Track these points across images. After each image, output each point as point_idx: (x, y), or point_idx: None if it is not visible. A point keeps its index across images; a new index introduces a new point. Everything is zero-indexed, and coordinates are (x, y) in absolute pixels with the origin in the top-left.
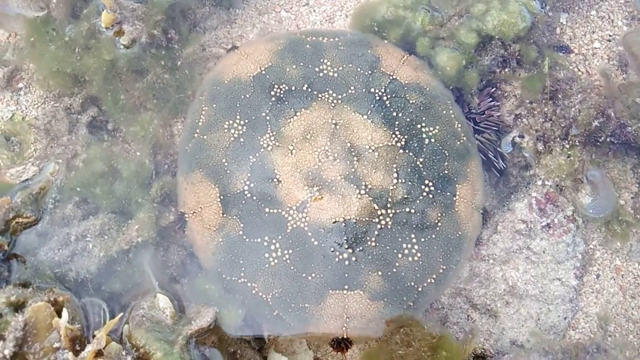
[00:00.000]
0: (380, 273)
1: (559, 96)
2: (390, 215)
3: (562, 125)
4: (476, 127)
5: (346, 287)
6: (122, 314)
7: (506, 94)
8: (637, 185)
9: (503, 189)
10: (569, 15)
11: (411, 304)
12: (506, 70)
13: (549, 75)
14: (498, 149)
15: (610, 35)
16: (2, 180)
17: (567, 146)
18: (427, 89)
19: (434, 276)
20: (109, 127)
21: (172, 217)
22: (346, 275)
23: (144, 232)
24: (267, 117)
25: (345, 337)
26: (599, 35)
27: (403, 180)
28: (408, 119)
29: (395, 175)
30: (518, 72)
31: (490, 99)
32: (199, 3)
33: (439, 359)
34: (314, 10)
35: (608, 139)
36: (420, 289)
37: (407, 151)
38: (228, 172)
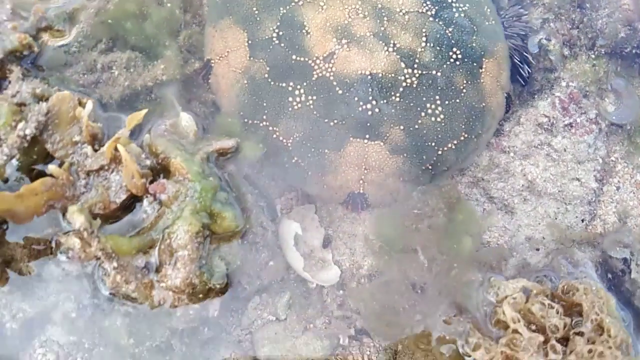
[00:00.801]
0: (402, 127)
1: (587, 6)
2: (417, 75)
3: (589, 35)
4: (504, 32)
5: (367, 136)
6: (146, 110)
7: (534, 2)
8: None
9: (527, 97)
10: None
11: (429, 166)
12: None
13: None
14: (524, 53)
15: None
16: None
17: (593, 55)
18: None
19: (455, 142)
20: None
21: (197, 65)
22: (368, 124)
23: (170, 71)
24: None
25: (361, 191)
26: None
27: (432, 45)
28: None
29: (424, 39)
30: None
31: (519, 6)
32: None
33: (454, 220)
34: None
35: (634, 51)
36: (440, 152)
37: (437, 20)
38: (258, 19)
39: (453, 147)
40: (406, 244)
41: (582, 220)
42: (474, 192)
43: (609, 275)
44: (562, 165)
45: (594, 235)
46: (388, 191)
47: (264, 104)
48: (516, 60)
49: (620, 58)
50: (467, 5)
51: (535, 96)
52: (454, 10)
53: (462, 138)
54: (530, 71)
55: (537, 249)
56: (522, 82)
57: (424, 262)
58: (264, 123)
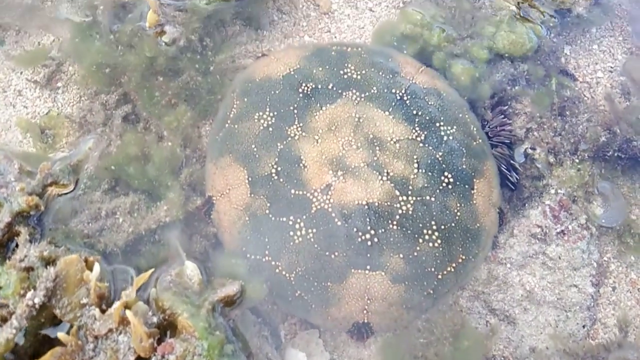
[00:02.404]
0: (401, 255)
1: (567, 113)
2: (411, 201)
3: (571, 140)
4: (489, 141)
5: (368, 267)
6: (152, 269)
7: (517, 112)
8: None
9: (517, 202)
10: (572, 48)
11: (431, 291)
12: (516, 87)
13: (556, 92)
14: (511, 161)
15: (611, 67)
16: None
17: (577, 160)
18: (444, 94)
19: (454, 265)
20: (142, 121)
21: (199, 202)
22: (368, 255)
23: (173, 212)
24: (295, 111)
25: (365, 321)
26: (602, 67)
27: (423, 171)
28: (427, 117)
29: (415, 165)
30: (526, 90)
31: (502, 116)
32: (231, 20)
33: (460, 348)
34: (335, 37)
35: (616, 154)
36: (440, 277)
37: (426, 145)
38: (257, 156)
39: (452, 269)
40: None
41: (584, 327)
42: (475, 305)
43: None
44: (559, 273)
45: (597, 347)
46: (392, 319)
47: (266, 240)
48: (503, 169)
49: (603, 161)
50: (455, 127)
51: (526, 204)
52: (443, 133)
53: (460, 260)
54: (518, 177)
55: None
56: (511, 187)
57: None
58: (267, 258)
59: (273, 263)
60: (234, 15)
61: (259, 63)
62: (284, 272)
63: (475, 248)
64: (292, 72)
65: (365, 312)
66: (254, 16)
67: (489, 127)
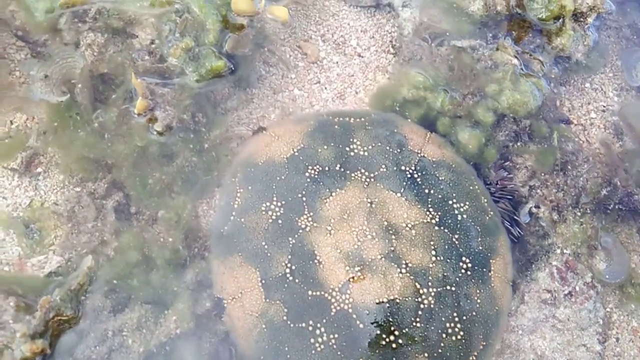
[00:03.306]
0: (426, 355)
1: (569, 167)
2: (432, 293)
3: (573, 194)
4: (492, 196)
5: None
6: None
7: (517, 166)
8: None
9: (520, 256)
10: (566, 88)
11: None
12: (518, 144)
13: (558, 148)
14: (515, 217)
15: (604, 106)
16: (23, 271)
17: (579, 214)
18: (454, 165)
19: (475, 354)
20: (135, 212)
21: (208, 304)
22: (394, 359)
23: (183, 323)
24: (304, 199)
25: None
26: (594, 106)
27: (441, 258)
28: (440, 196)
29: (433, 252)
30: (528, 145)
31: (503, 171)
32: (221, 86)
33: None
34: (325, 88)
35: (617, 207)
36: None
37: (442, 228)
38: (268, 255)
39: (475, 357)
40: None
41: None
42: None
43: None
44: (567, 334)
45: None
46: None
47: (286, 349)
48: (507, 225)
49: (604, 214)
50: (467, 203)
51: (533, 265)
52: (456, 212)
53: (481, 347)
54: (521, 232)
55: None
56: (513, 239)
57: None
58: None
59: None
60: None
61: (258, 142)
62: None
63: (495, 331)
64: (297, 153)
65: None
66: (243, 76)
67: (491, 183)
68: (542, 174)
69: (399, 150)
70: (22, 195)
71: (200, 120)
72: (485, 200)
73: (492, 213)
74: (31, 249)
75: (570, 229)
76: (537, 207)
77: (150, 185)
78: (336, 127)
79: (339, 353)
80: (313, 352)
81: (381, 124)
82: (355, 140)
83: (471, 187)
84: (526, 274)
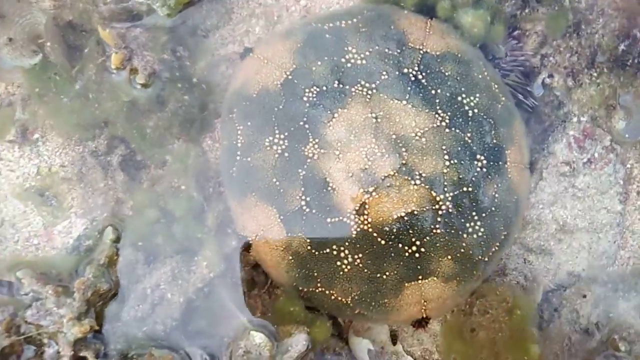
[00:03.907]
0: (450, 257)
1: (582, 26)
2: (449, 198)
3: (588, 54)
4: (502, 71)
5: (420, 277)
6: None
7: (527, 32)
8: None
9: (536, 126)
10: None
11: (480, 274)
12: (526, 10)
13: (570, 7)
14: (528, 88)
15: None
16: (51, 241)
17: (595, 75)
18: (460, 55)
19: (497, 243)
20: (142, 165)
21: (234, 243)
22: (418, 267)
23: (214, 267)
24: (306, 126)
25: (424, 316)
26: None
27: (455, 160)
28: (447, 94)
29: (446, 157)
30: (538, 10)
31: (512, 40)
32: (196, 12)
33: (515, 320)
34: None
35: (636, 61)
36: (486, 259)
37: (453, 129)
38: (281, 190)
39: (497, 248)
40: (477, 356)
41: (614, 242)
42: (513, 249)
43: None
44: (588, 200)
45: (632, 271)
46: (448, 308)
47: (315, 274)
48: (520, 97)
49: (622, 70)
50: (477, 94)
51: (549, 137)
52: (466, 107)
53: (502, 237)
54: (536, 103)
55: (584, 296)
56: (528, 109)
57: None
58: (320, 289)
59: (327, 292)
60: None
61: (247, 69)
62: (340, 298)
63: (515, 218)
64: (290, 77)
65: (423, 310)
66: None
67: (503, 59)
68: (554, 40)
69: (398, 51)
70: (28, 164)
71: (182, 55)
72: (497, 87)
73: (504, 99)
74: (53, 215)
75: (586, 93)
76: (551, 76)
77: (149, 134)
78: (327, 36)
79: (365, 270)
80: (341, 273)
81: (375, 22)
82: (350, 49)
83: (480, 76)
84: (543, 147)
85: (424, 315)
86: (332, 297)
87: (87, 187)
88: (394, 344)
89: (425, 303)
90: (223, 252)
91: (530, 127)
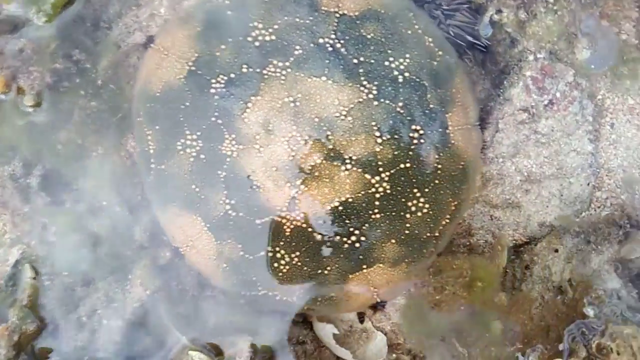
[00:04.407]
0: (394, 240)
1: None
2: (386, 179)
3: None
4: (446, 12)
5: (364, 266)
6: None
7: None
8: (637, 10)
9: (492, 67)
10: None
11: (433, 249)
12: None
13: None
14: (476, 27)
15: None
16: None
17: (551, 1)
18: (382, 10)
19: (448, 216)
20: (61, 182)
21: (169, 254)
22: (360, 257)
23: (149, 284)
24: (219, 121)
25: (378, 300)
26: None
27: (388, 136)
28: (372, 61)
29: (377, 133)
30: None
31: None
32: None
33: (475, 294)
34: None
35: None
36: (437, 234)
37: (382, 100)
38: (203, 197)
39: (448, 220)
40: (439, 334)
41: (588, 184)
42: (476, 208)
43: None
44: (554, 145)
45: (607, 220)
46: (402, 289)
47: (254, 278)
48: (470, 39)
49: None
50: (407, 55)
51: (505, 81)
52: (395, 72)
53: (453, 208)
54: (488, 42)
55: (556, 250)
56: (482, 49)
57: (463, 352)
58: (262, 292)
59: (270, 294)
60: None
61: (148, 63)
62: (285, 298)
63: (465, 185)
64: (193, 68)
65: (375, 295)
66: None
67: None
68: None
69: (311, 18)
70: None
71: (80, 58)
72: (431, 40)
73: (441, 53)
74: None
75: (542, 25)
76: (499, 11)
77: (61, 150)
78: (229, 12)
79: (304, 268)
80: (280, 274)
81: None
82: (255, 24)
83: (410, 31)
84: (499, 93)
85: (377, 300)
86: (277, 298)
87: (15, 213)
88: (362, 322)
89: (375, 290)
90: (158, 265)
91: (486, 69)
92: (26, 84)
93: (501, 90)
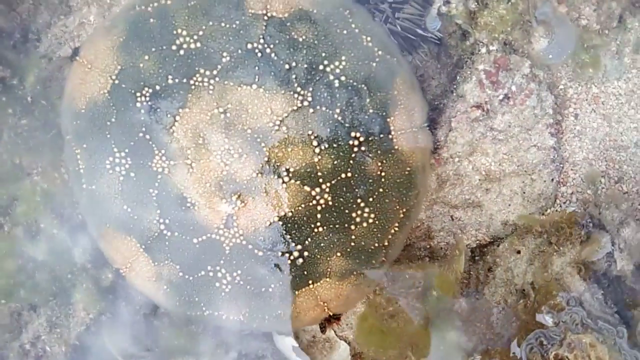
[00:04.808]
0: (339, 254)
1: None
2: (327, 190)
3: None
4: (393, 6)
5: (310, 282)
6: None
7: None
8: None
9: (447, 61)
10: None
11: (383, 259)
12: None
13: None
14: (426, 21)
15: None
16: None
17: None
18: (314, 10)
19: (396, 224)
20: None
21: (110, 275)
22: (305, 272)
23: (92, 308)
24: (147, 137)
25: (330, 314)
26: None
27: (326, 146)
28: (305, 65)
29: (315, 143)
30: None
31: None
32: (17, 2)
33: (430, 303)
34: None
35: None
36: (386, 243)
37: (318, 107)
38: (135, 217)
39: (397, 229)
40: (395, 347)
41: (552, 180)
42: (435, 209)
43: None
44: (513, 141)
45: (569, 219)
46: (354, 301)
47: (197, 299)
48: (421, 32)
49: None
50: (343, 57)
51: (458, 76)
52: (331, 77)
53: (401, 215)
54: (441, 35)
55: (518, 252)
56: (436, 41)
57: None
58: (208, 312)
59: (216, 314)
60: None
61: (74, 77)
62: (231, 317)
63: (414, 191)
64: (117, 81)
65: (326, 310)
66: None
67: None
68: None
69: (237, 23)
70: None
71: (5, 75)
72: (369, 39)
73: (380, 52)
74: None
75: (494, 14)
76: (447, 2)
77: None
78: (152, 20)
79: (248, 287)
80: (223, 294)
81: None
82: (180, 31)
83: (345, 31)
84: (452, 89)
85: (329, 313)
86: (224, 318)
87: None
88: (323, 332)
89: (324, 304)
90: (101, 287)
91: (442, 63)
92: None
93: (454, 86)
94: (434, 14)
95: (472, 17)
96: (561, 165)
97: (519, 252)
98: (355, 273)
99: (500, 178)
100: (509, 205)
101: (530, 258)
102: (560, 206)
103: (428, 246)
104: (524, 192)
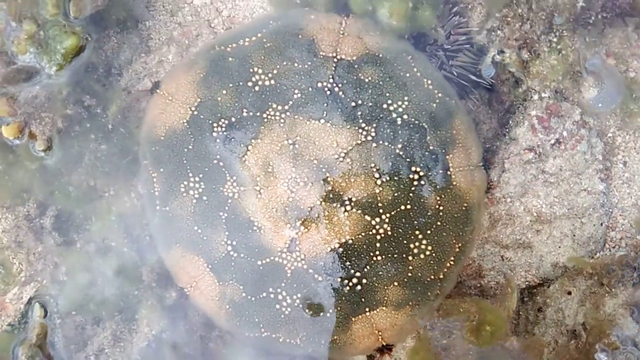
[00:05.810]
0: (396, 283)
1: None
2: (387, 220)
3: (543, 18)
4: (448, 53)
5: (367, 309)
6: None
7: (469, 5)
8: None
9: (498, 107)
10: None
11: (438, 292)
12: None
13: None
14: (479, 67)
15: None
16: (5, 309)
17: (555, 40)
18: (380, 55)
19: (452, 258)
20: (73, 223)
21: (175, 294)
22: (363, 299)
23: (155, 324)
24: (221, 164)
25: (383, 344)
26: None
27: (387, 178)
28: (370, 103)
29: (376, 175)
30: None
31: (454, 16)
32: (103, 41)
33: (484, 338)
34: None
35: (600, 16)
36: (441, 276)
37: (381, 142)
38: (205, 238)
39: (452, 263)
40: None
41: (601, 224)
42: (486, 249)
43: None
44: (564, 184)
45: (619, 260)
46: (408, 332)
47: (256, 320)
48: (473, 78)
49: (586, 29)
50: (405, 98)
51: (510, 120)
52: (394, 115)
53: (457, 250)
54: (492, 81)
55: (569, 293)
56: (488, 87)
57: None
58: (266, 334)
59: (274, 336)
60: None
61: (153, 108)
62: (288, 340)
63: (469, 227)
64: (196, 112)
65: (380, 339)
66: (128, 14)
67: (442, 40)
68: (499, 10)
69: (309, 64)
70: None
71: (91, 104)
72: (430, 82)
73: (440, 95)
74: (3, 282)
75: (546, 64)
76: (502, 52)
77: (73, 192)
78: (230, 59)
79: (306, 311)
80: (282, 316)
81: (281, 34)
82: (256, 69)
83: (408, 74)
84: (504, 132)
85: (383, 343)
86: (280, 340)
87: (30, 252)
88: None
89: (379, 333)
90: (164, 305)
91: (493, 108)
92: (38, 129)
93: (507, 130)
94: (488, 62)
95: (524, 65)
96: (610, 210)
97: (569, 293)
98: (410, 304)
99: (551, 220)
100: (559, 247)
101: (582, 299)
102: (610, 250)
103: (478, 284)
104: (574, 235)
